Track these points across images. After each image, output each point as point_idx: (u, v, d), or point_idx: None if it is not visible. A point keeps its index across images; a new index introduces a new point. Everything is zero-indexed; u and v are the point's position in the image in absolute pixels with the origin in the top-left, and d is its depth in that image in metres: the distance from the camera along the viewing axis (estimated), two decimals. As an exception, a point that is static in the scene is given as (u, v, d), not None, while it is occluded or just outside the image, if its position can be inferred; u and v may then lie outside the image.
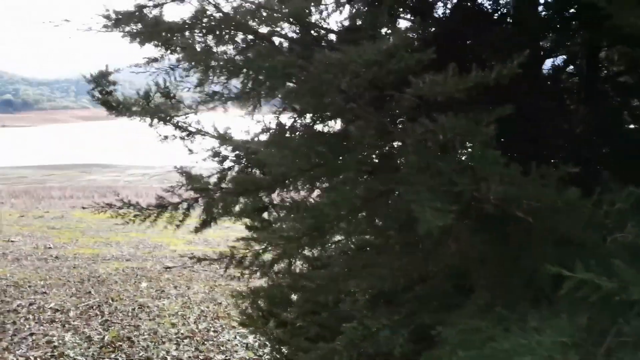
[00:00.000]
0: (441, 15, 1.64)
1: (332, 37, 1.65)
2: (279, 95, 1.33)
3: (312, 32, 1.56)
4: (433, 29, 1.51)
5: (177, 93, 3.72)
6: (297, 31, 1.62)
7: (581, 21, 1.60)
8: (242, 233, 9.41)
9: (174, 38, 3.40)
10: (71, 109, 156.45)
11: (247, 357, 3.76)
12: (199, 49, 3.44)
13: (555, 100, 1.58)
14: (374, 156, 1.20)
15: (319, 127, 1.55)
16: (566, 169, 1.03)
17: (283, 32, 1.54)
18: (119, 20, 3.61)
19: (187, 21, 3.26)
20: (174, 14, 3.44)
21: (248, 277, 5.68)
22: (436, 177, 1.01)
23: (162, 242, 8.27)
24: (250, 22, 1.55)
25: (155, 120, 3.70)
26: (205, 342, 3.84)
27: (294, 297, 2.71)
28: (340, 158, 1.17)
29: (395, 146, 1.18)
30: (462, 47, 1.44)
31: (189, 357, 3.65)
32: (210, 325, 4.23)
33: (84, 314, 4.36)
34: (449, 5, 1.67)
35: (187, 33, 3.47)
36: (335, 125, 1.48)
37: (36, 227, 9.58)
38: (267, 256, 2.96)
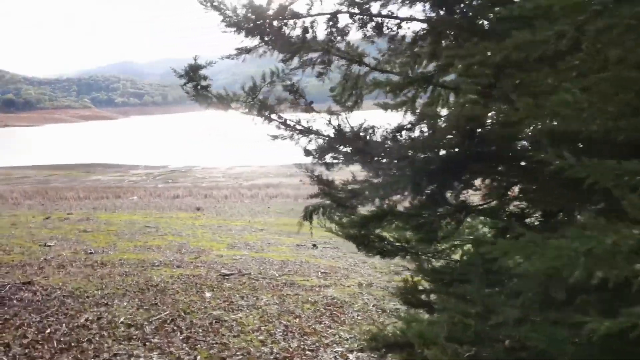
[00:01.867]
0: None
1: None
2: None
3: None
4: None
5: (276, 87, 3.34)
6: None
7: None
8: (276, 236, 8.94)
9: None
10: (73, 108, 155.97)
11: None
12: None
13: None
14: None
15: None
16: None
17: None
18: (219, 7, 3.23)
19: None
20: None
21: (319, 287, 5.27)
22: None
23: (204, 246, 7.88)
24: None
25: (259, 118, 3.32)
26: (307, 364, 3.45)
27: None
28: None
29: None
30: None
31: (292, 380, 3.27)
32: (302, 343, 3.84)
33: (160, 329, 3.97)
34: None
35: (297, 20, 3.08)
36: None
37: (67, 230, 9.19)
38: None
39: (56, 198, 19.36)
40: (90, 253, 6.98)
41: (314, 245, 8.35)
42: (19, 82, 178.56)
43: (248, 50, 3.31)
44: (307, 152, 3.01)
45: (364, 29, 2.72)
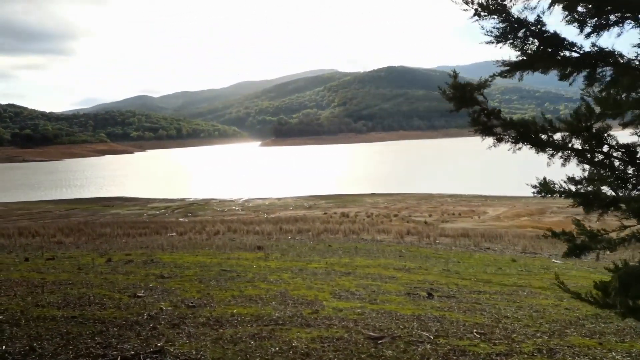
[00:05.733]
0: None
1: None
2: None
3: None
4: None
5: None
6: None
7: None
8: (370, 280, 7.81)
9: None
10: (89, 142, 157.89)
11: None
12: None
13: None
14: None
15: None
16: None
17: None
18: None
19: None
20: None
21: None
22: None
23: (307, 296, 6.96)
24: None
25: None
26: None
27: None
28: None
29: None
30: None
31: None
32: None
33: None
34: None
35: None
36: None
37: (142, 276, 8.33)
38: None
39: (95, 235, 18.66)
40: (192, 306, 6.08)
41: (429, 294, 7.38)
42: (36, 117, 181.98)
43: (524, 66, 2.55)
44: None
45: None
